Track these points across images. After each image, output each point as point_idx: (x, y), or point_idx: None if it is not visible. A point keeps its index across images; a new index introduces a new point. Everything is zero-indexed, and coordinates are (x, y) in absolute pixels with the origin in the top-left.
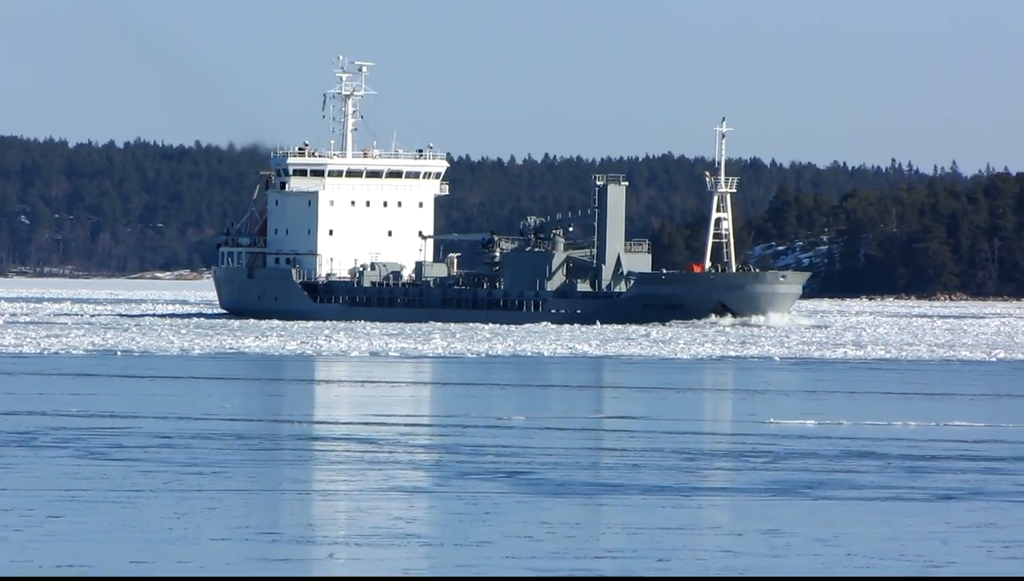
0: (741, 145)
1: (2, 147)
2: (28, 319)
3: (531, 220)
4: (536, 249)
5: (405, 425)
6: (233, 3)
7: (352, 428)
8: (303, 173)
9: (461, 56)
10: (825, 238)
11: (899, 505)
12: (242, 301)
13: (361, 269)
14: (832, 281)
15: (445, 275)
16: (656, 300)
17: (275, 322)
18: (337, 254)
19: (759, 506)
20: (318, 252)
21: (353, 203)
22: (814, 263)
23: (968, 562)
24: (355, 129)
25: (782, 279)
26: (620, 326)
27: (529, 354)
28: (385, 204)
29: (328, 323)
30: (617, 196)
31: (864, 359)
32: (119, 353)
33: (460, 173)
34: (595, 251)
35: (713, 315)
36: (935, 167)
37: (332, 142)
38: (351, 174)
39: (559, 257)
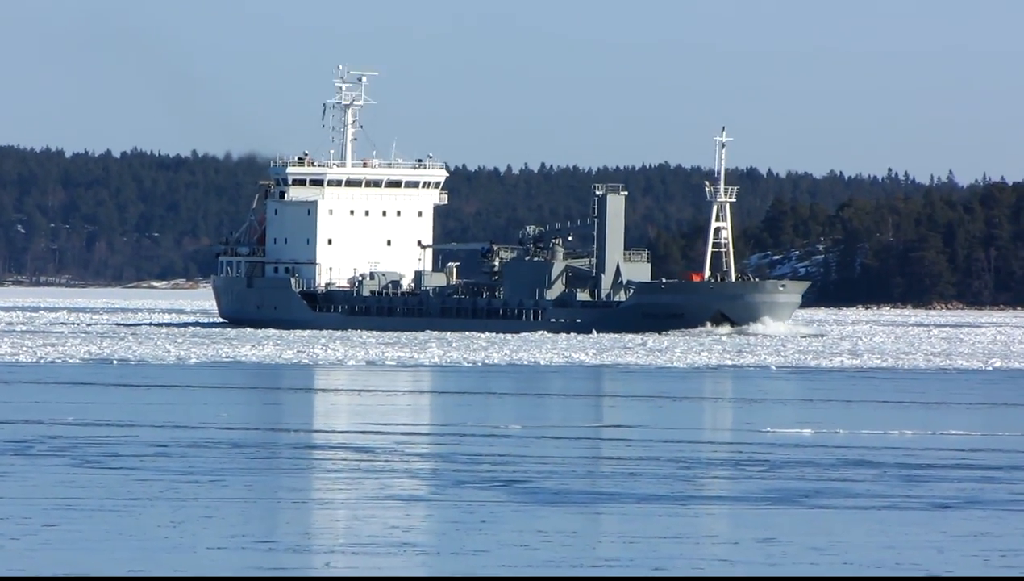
0: (738, 155)
1: None
2: (24, 328)
3: (530, 229)
4: (535, 258)
5: (402, 434)
6: (231, 12)
7: (349, 437)
8: (302, 182)
9: (459, 66)
10: (821, 247)
11: (895, 514)
12: (241, 310)
13: (360, 278)
14: (828, 290)
15: (444, 284)
16: (655, 309)
17: (272, 331)
18: (336, 263)
19: (755, 515)
20: (317, 261)
21: (352, 212)
22: (810, 272)
23: (964, 571)
24: (355, 139)
25: (782, 288)
26: (616, 335)
27: (526, 363)
28: (384, 213)
29: (324, 332)
30: (616, 205)
31: (860, 368)
32: (115, 362)
33: (457, 183)
34: (594, 260)
35: (709, 323)
36: (931, 177)
37: (331, 152)
38: (350, 183)
39: (558, 266)
